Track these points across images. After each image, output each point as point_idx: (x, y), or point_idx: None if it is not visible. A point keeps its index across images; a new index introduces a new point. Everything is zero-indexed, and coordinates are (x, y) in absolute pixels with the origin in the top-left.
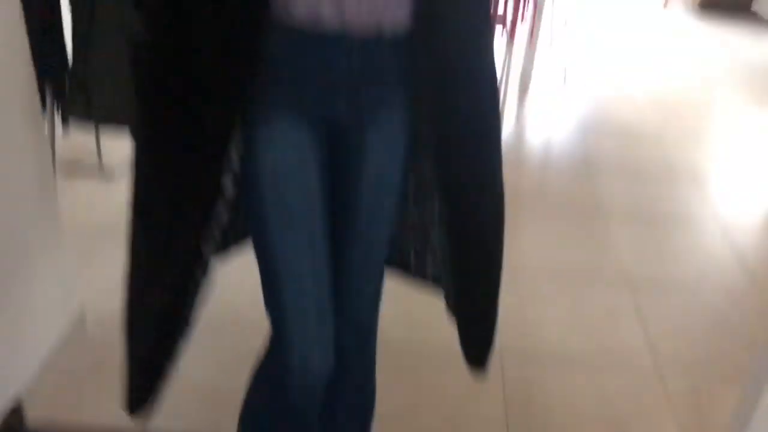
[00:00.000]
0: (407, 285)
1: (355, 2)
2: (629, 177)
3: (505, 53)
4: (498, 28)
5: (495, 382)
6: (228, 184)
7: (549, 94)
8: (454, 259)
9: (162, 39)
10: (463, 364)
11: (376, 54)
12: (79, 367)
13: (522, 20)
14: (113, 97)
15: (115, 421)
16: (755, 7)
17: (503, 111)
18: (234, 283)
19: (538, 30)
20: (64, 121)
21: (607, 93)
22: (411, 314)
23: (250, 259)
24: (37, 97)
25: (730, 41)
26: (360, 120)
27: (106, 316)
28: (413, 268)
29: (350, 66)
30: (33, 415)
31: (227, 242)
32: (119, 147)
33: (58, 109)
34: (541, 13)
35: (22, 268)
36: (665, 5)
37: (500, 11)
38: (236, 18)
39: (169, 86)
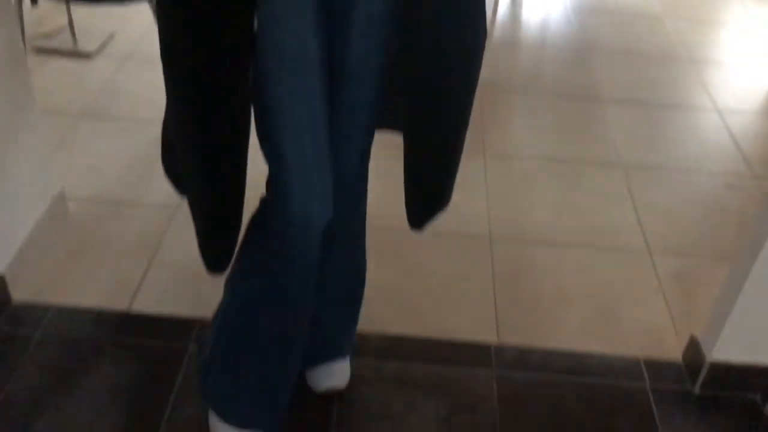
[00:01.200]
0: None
1: None
2: (627, 61)
3: None
4: None
5: (484, 262)
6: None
7: None
8: (412, 108)
9: None
10: (452, 246)
11: None
12: (60, 249)
13: None
14: None
15: (98, 302)
16: None
17: None
18: None
19: None
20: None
21: None
22: (399, 201)
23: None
24: None
25: None
26: None
27: (86, 199)
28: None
29: None
30: (16, 295)
31: None
32: (93, 26)
33: None
34: None
35: None
36: None
37: None
38: None
39: None
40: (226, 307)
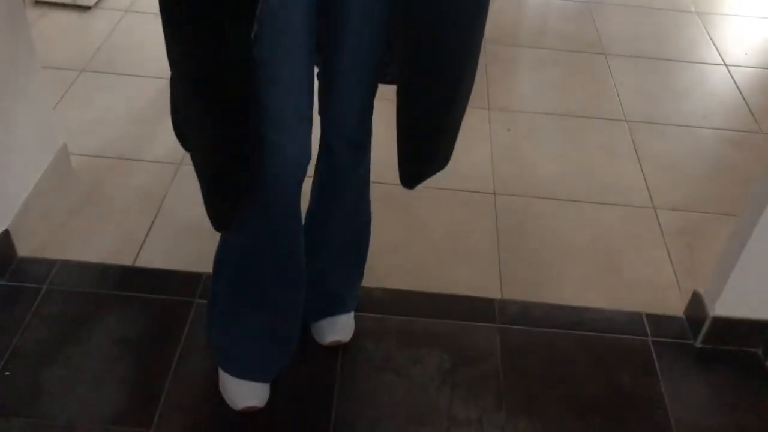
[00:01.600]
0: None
1: None
2: (633, 13)
3: None
4: None
5: (488, 217)
6: None
7: None
8: (408, 62)
9: None
10: (456, 201)
11: None
12: (64, 204)
13: None
14: None
15: (103, 257)
16: None
17: None
18: None
19: None
20: None
21: None
22: None
23: None
24: None
25: None
26: None
27: (89, 154)
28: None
29: None
30: (21, 250)
31: None
32: None
33: None
34: None
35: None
36: None
37: None
38: None
39: None
40: (219, 258)
